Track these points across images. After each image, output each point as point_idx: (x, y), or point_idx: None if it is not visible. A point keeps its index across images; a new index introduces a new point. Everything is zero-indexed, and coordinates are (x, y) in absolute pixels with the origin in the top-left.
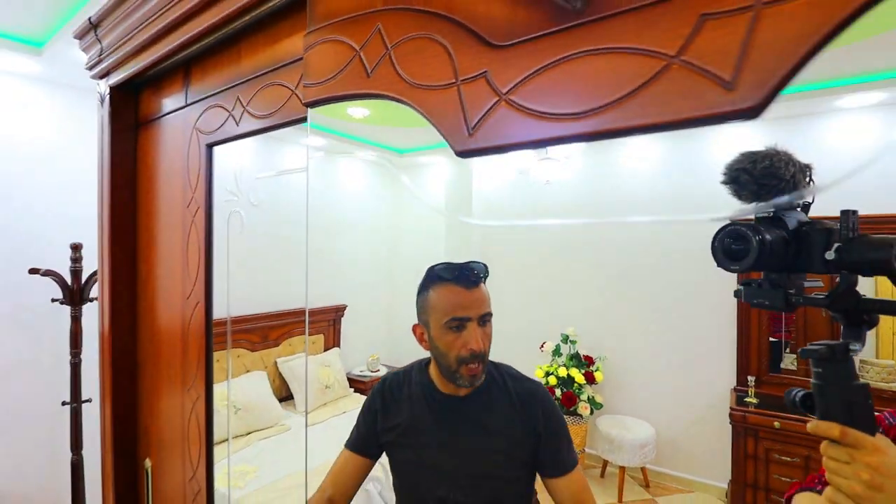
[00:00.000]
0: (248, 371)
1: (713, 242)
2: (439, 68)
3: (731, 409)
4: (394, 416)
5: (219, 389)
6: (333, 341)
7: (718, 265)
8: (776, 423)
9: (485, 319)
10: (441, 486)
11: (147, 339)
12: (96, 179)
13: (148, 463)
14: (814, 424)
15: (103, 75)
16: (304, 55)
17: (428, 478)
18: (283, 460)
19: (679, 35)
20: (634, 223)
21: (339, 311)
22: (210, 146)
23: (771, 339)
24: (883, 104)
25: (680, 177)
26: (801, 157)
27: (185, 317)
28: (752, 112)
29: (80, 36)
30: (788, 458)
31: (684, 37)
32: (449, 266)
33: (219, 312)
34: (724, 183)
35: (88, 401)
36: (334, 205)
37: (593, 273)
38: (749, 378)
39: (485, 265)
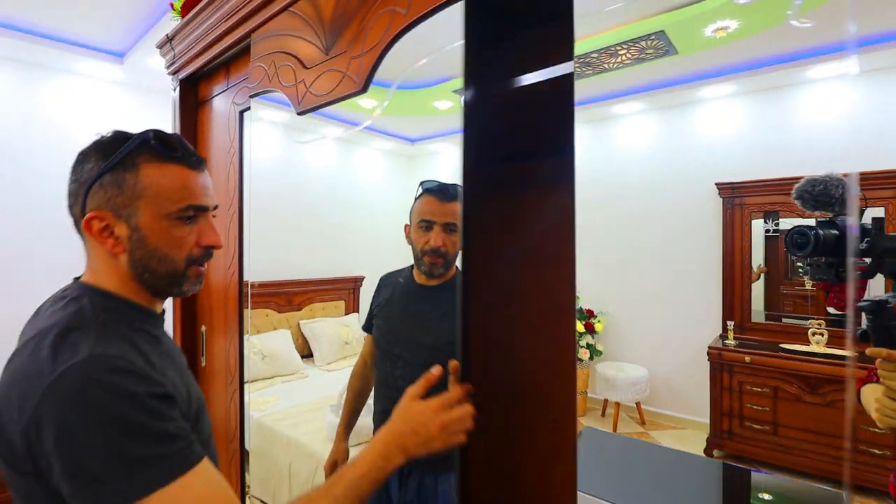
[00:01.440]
0: (275, 329)
1: (785, 237)
2: (292, 77)
3: (709, 347)
4: (380, 297)
5: (254, 339)
6: (353, 307)
7: (788, 252)
8: (747, 358)
9: (449, 227)
10: (397, 345)
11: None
12: None
13: (204, 329)
14: (870, 350)
15: (175, 72)
16: (249, 73)
17: (389, 338)
18: (298, 396)
19: (348, 63)
20: (631, 194)
21: (357, 281)
22: (241, 112)
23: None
24: (848, 74)
25: (672, 150)
26: (777, 124)
27: (227, 231)
28: (362, 90)
29: (161, 46)
30: (759, 389)
31: (348, 64)
32: (433, 182)
33: (252, 276)
34: (794, 199)
35: None
36: (352, 187)
37: (598, 237)
38: (729, 323)
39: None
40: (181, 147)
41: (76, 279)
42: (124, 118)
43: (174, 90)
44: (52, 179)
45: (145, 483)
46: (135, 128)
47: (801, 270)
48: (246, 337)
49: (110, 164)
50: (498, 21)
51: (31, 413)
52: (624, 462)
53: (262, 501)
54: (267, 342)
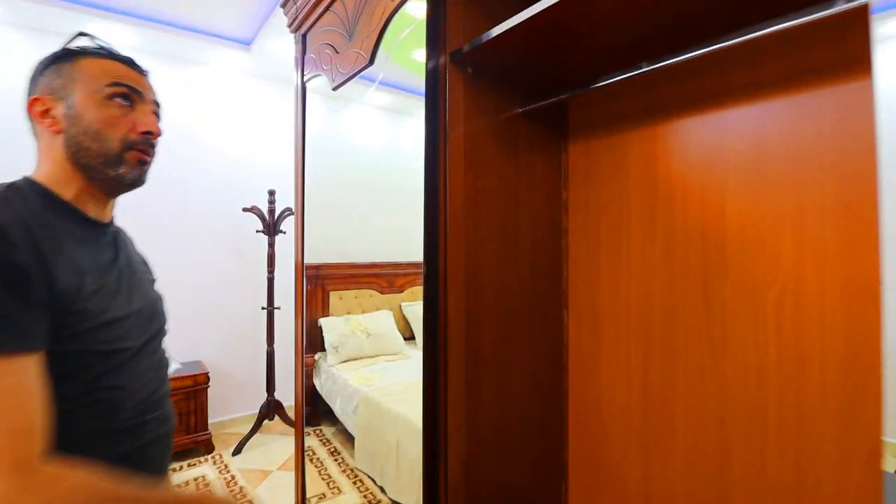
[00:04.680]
0: (378, 309)
1: None
2: (329, 61)
3: None
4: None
5: (355, 317)
6: None
7: None
8: None
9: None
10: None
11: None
12: (293, 134)
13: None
14: None
15: (297, 28)
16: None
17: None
18: (401, 374)
19: (361, 44)
20: None
21: None
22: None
23: None
24: None
25: None
26: None
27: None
28: (369, 63)
29: (284, 4)
30: None
31: (361, 44)
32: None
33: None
34: None
35: (279, 308)
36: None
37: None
38: None
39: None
40: (125, 56)
41: None
42: (249, 105)
43: (297, 44)
44: (179, 171)
45: None
46: (263, 116)
47: None
48: (353, 316)
49: (53, 56)
50: None
51: None
52: None
53: (368, 476)
54: (371, 322)
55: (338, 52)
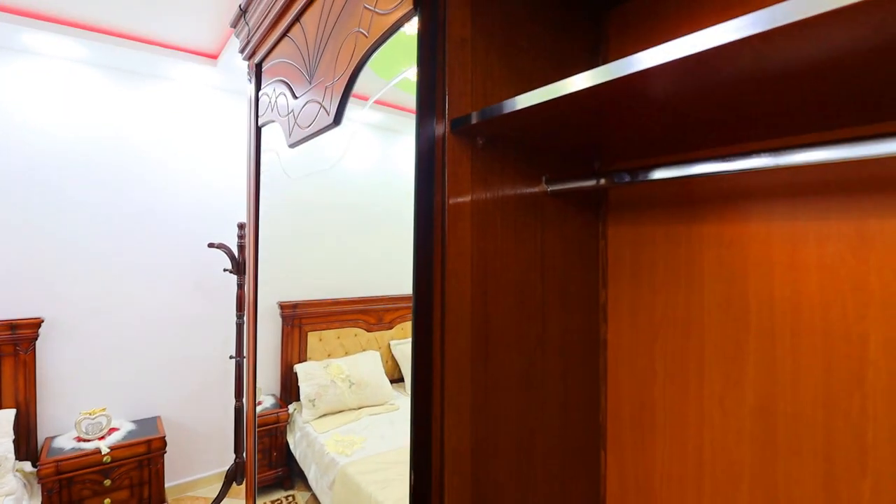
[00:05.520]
0: (363, 350)
1: None
2: (286, 107)
3: None
4: None
5: (335, 362)
6: None
7: None
8: None
9: None
10: None
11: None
12: (246, 181)
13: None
14: None
15: (251, 55)
16: (258, 102)
17: None
18: (387, 436)
19: (323, 93)
20: None
21: None
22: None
23: None
24: None
25: None
26: None
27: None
28: (334, 123)
29: (235, 23)
30: None
31: (323, 94)
32: None
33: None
34: None
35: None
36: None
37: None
38: None
39: None
40: None
41: None
42: (221, 125)
43: (250, 81)
44: (135, 199)
45: None
46: (234, 135)
47: None
48: (334, 361)
49: None
50: None
51: None
52: None
53: None
54: (355, 367)
55: (296, 97)
